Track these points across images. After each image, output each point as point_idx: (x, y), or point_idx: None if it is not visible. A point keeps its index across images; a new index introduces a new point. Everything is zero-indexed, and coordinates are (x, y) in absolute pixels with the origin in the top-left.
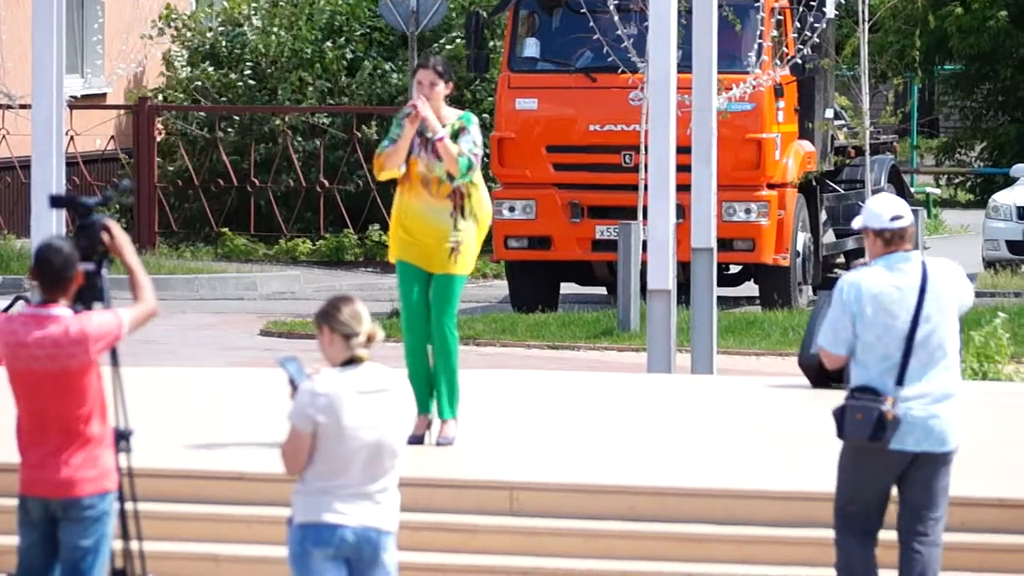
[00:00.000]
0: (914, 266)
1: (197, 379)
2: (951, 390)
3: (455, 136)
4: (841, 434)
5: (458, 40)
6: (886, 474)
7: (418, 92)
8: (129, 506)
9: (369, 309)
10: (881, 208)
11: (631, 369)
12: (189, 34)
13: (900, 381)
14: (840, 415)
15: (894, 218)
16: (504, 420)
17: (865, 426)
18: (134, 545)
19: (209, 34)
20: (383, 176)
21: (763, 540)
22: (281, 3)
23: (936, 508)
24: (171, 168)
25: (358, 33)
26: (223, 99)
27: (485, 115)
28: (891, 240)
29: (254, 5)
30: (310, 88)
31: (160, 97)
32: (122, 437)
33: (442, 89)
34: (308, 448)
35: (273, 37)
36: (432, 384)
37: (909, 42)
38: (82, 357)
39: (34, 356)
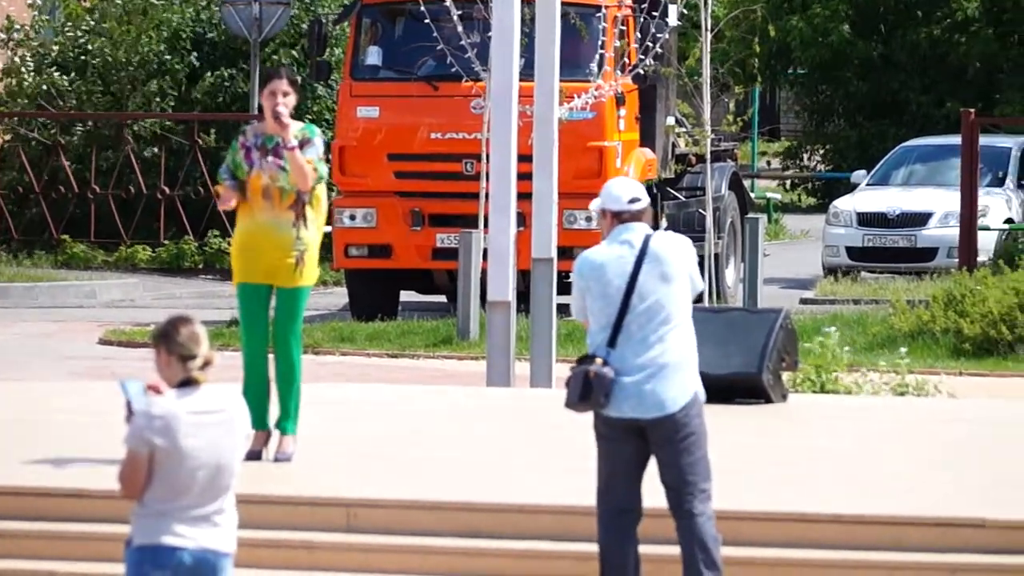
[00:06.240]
0: (637, 236)
1: (36, 392)
2: (672, 358)
3: (299, 148)
4: (566, 402)
5: (289, 49)
6: (622, 444)
7: (270, 101)
8: None
9: (208, 316)
10: (620, 191)
11: (471, 378)
12: (33, 44)
13: (612, 343)
14: (566, 385)
15: (632, 200)
16: (342, 435)
17: (574, 389)
18: None
19: (50, 41)
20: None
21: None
22: (126, 14)
23: (688, 483)
24: (11, 175)
25: (199, 41)
26: (70, 106)
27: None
28: (627, 222)
29: (97, 15)
30: (158, 99)
31: (3, 105)
32: None
33: (292, 99)
34: (146, 471)
35: (119, 47)
36: (270, 400)
37: (750, 51)
38: None
39: None
